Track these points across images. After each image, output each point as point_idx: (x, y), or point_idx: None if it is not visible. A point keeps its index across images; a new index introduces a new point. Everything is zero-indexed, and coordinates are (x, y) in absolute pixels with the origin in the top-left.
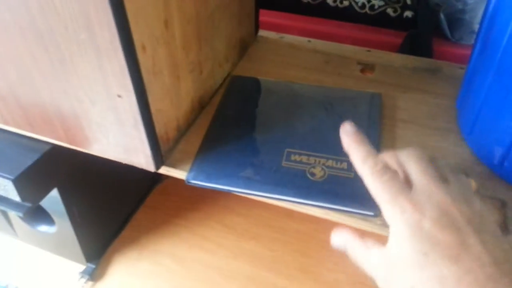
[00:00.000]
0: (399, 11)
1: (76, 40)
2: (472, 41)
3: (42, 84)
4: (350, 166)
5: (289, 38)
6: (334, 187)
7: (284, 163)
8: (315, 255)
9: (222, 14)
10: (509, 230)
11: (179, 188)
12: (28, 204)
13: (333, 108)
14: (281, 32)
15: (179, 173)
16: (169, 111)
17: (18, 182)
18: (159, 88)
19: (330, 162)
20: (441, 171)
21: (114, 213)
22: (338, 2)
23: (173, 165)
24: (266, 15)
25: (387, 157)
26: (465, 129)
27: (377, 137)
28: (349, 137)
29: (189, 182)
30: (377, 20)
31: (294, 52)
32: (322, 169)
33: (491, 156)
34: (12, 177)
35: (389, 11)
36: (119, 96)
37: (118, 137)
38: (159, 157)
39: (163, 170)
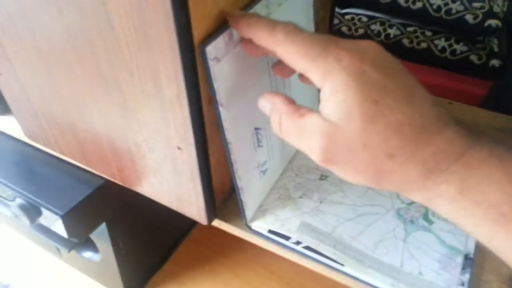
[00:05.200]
0: (484, 58)
1: (141, 88)
2: None
3: (102, 124)
4: None
5: None
6: None
7: None
8: None
9: None
10: None
11: None
12: (74, 240)
13: None
14: None
15: (231, 228)
16: None
17: (67, 219)
18: (220, 139)
19: None
20: None
21: (158, 245)
22: (414, 43)
23: (226, 219)
24: None
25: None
26: None
27: None
28: (240, 20)
29: (248, 227)
30: (459, 66)
31: None
32: None
33: None
34: (61, 213)
35: (473, 58)
36: (178, 148)
37: (172, 185)
38: (212, 211)
39: (216, 223)
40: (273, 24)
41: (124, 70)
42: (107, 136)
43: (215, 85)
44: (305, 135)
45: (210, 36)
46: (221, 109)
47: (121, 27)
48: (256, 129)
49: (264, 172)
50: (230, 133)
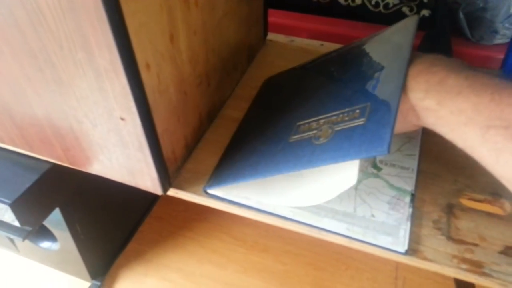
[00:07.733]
0: (415, 9)
1: (73, 60)
2: (494, 41)
3: (38, 104)
4: (363, 112)
5: (300, 41)
6: (340, 143)
7: (291, 138)
8: (329, 268)
9: (230, 20)
10: None
11: None
12: (28, 228)
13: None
14: (289, 33)
15: (188, 196)
16: (177, 129)
17: (16, 206)
18: (165, 107)
19: (340, 117)
20: None
21: (118, 226)
22: (349, 1)
23: (181, 187)
24: (274, 16)
25: None
26: None
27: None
28: None
29: (206, 192)
30: (392, 19)
31: (305, 57)
32: (330, 127)
33: None
34: (9, 201)
35: (405, 9)
36: (122, 119)
37: (121, 159)
38: (167, 180)
39: (171, 193)
40: None
41: (52, 42)
42: (46, 116)
43: None
44: None
45: None
46: None
47: None
48: None
49: None
50: None
